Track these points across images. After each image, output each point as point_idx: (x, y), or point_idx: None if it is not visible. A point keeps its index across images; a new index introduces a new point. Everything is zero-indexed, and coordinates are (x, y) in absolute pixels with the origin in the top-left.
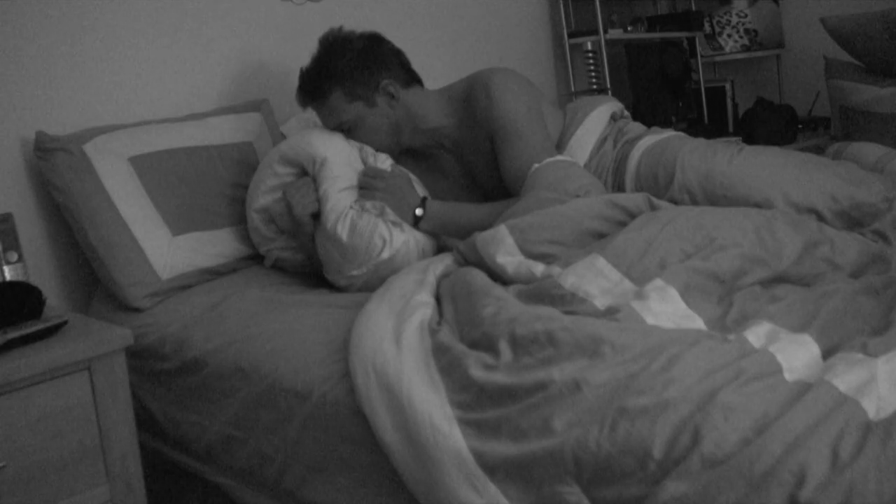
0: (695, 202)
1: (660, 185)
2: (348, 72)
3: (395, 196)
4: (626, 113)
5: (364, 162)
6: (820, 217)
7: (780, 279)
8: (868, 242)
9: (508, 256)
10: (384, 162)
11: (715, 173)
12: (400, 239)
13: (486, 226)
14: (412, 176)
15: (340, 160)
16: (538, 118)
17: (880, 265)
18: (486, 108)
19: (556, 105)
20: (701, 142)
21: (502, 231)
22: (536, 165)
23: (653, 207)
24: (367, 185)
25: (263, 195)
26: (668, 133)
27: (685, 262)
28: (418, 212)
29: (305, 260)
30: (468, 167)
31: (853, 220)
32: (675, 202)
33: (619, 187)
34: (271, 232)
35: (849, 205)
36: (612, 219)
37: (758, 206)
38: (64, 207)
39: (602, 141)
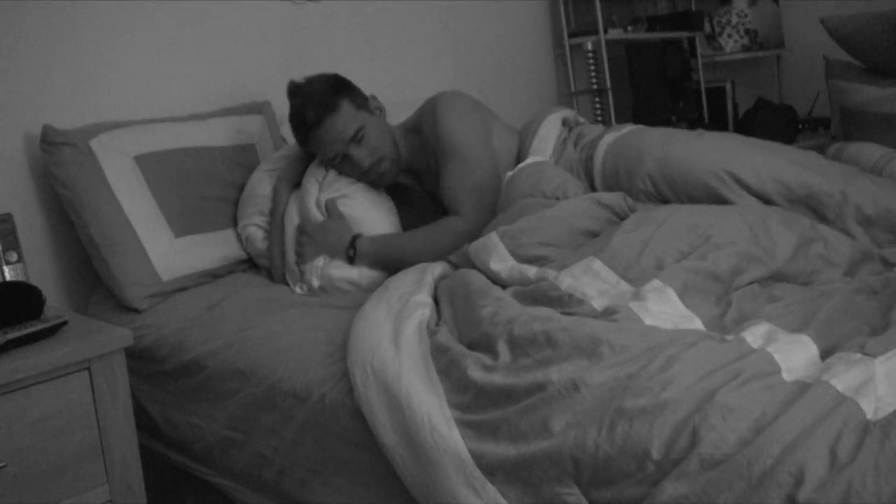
0: (656, 188)
1: (621, 178)
2: (343, 87)
3: (322, 247)
4: (581, 119)
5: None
6: (770, 203)
7: (776, 277)
8: (857, 241)
9: (501, 262)
10: (337, 192)
11: (671, 157)
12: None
13: (420, 252)
14: (350, 213)
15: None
16: (480, 137)
17: (873, 264)
18: (432, 126)
19: (511, 126)
20: (662, 130)
21: (493, 238)
22: (510, 174)
23: (630, 207)
24: (299, 244)
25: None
26: (630, 127)
27: (682, 263)
28: (350, 252)
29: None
30: (429, 192)
31: (811, 210)
32: (638, 191)
33: (589, 187)
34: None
35: (804, 193)
36: (600, 217)
37: (708, 187)
38: (67, 202)
39: (561, 145)
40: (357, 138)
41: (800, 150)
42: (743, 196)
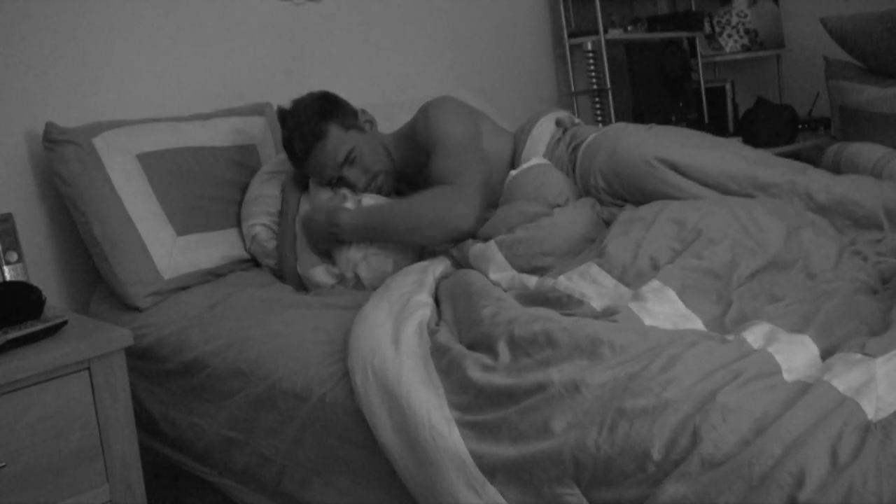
0: (606, 182)
1: (584, 176)
2: (330, 109)
3: (313, 233)
4: (577, 120)
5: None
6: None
7: (772, 267)
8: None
9: (501, 272)
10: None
11: (615, 149)
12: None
13: (407, 217)
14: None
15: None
16: (467, 129)
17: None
18: (423, 127)
19: (504, 129)
20: (621, 125)
21: (492, 247)
22: (514, 173)
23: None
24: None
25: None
26: (609, 126)
27: (680, 262)
28: (334, 229)
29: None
30: None
31: None
32: (591, 188)
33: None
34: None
35: (751, 185)
36: (594, 221)
37: (644, 175)
38: (69, 200)
39: (554, 145)
40: (349, 160)
41: (752, 147)
42: (679, 178)
